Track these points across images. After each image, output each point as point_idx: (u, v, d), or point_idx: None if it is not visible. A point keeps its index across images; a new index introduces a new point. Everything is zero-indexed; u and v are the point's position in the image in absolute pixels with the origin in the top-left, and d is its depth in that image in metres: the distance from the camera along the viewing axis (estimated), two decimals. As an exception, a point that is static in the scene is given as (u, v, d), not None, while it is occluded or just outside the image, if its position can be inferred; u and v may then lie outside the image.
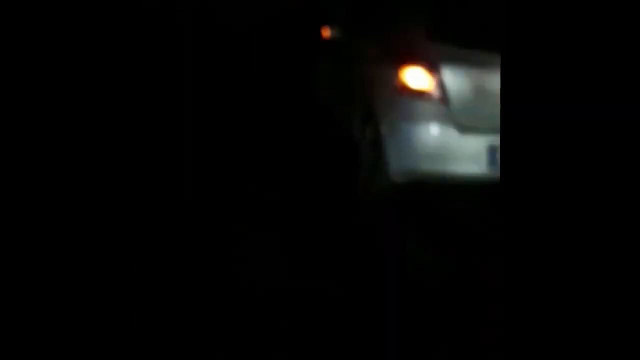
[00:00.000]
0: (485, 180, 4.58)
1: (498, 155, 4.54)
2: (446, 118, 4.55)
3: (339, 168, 5.34)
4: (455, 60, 4.57)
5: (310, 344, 3.19)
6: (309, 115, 6.03)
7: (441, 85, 4.55)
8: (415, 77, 4.62)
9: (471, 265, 3.93)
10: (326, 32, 6.18)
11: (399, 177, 4.71)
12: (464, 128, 4.56)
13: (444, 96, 4.55)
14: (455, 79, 4.55)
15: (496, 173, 4.59)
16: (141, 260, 3.81)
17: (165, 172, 5.07)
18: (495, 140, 4.57)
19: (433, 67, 4.57)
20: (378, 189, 4.83)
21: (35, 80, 5.63)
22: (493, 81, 4.57)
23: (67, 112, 5.48)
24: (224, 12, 10.48)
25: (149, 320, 3.27)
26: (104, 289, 3.50)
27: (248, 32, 9.56)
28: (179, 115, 6.23)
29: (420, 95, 4.58)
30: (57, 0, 6.77)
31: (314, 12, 6.40)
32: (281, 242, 4.16)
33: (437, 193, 4.82)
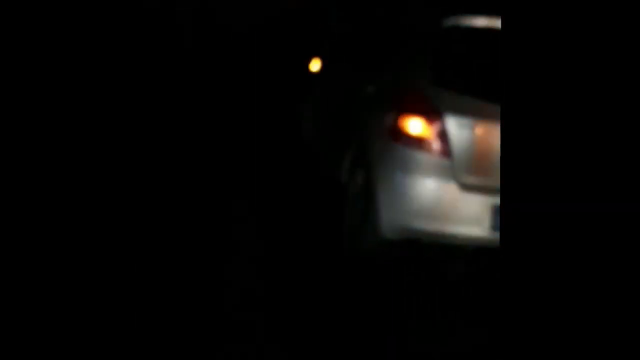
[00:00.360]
0: (487, 243, 4.09)
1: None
2: (447, 172, 4.05)
3: (321, 214, 4.84)
4: (461, 111, 4.06)
5: None
6: (292, 151, 5.57)
7: (443, 136, 4.05)
8: (415, 125, 4.12)
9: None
10: (319, 64, 5.69)
11: (391, 233, 4.21)
12: (467, 185, 4.06)
13: (446, 148, 4.04)
14: (459, 131, 4.04)
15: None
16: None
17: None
18: (501, 200, 4.09)
19: (435, 115, 4.06)
20: (367, 244, 4.34)
21: (34, 79, 5.77)
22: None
23: (67, 111, 5.53)
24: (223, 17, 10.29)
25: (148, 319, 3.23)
26: (102, 286, 3.47)
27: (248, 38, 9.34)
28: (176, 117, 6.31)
29: (419, 145, 4.08)
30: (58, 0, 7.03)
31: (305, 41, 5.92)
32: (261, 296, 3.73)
33: (433, 254, 4.33)
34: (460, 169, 4.06)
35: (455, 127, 4.04)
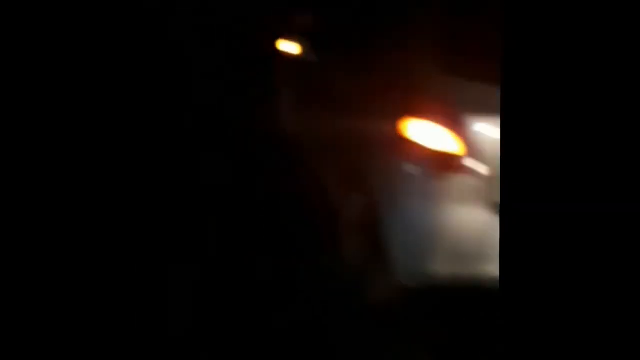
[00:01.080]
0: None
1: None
2: (479, 195, 3.02)
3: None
4: (484, 106, 2.99)
5: None
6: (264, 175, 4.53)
7: (471, 147, 3.01)
8: (431, 134, 3.08)
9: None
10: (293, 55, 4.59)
11: (409, 280, 3.18)
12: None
13: (474, 162, 3.01)
14: (488, 135, 3.00)
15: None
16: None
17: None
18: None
19: (457, 119, 3.02)
20: (376, 293, 3.30)
21: (33, 79, 5.74)
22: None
23: (67, 111, 5.46)
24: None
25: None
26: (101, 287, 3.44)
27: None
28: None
29: (441, 163, 3.04)
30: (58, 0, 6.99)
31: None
32: None
33: (469, 304, 3.30)
34: (494, 189, 3.03)
35: (484, 131, 3.00)
